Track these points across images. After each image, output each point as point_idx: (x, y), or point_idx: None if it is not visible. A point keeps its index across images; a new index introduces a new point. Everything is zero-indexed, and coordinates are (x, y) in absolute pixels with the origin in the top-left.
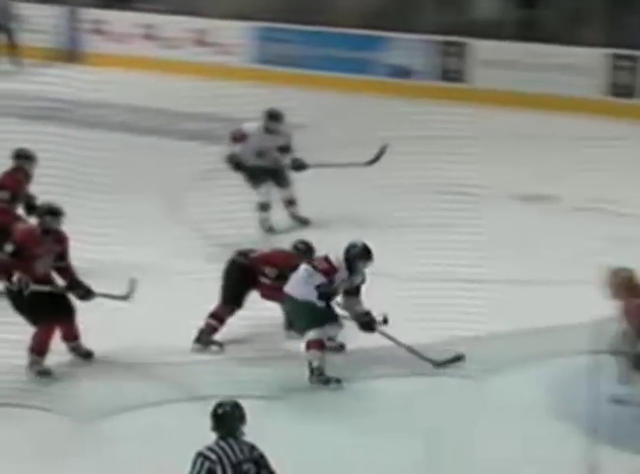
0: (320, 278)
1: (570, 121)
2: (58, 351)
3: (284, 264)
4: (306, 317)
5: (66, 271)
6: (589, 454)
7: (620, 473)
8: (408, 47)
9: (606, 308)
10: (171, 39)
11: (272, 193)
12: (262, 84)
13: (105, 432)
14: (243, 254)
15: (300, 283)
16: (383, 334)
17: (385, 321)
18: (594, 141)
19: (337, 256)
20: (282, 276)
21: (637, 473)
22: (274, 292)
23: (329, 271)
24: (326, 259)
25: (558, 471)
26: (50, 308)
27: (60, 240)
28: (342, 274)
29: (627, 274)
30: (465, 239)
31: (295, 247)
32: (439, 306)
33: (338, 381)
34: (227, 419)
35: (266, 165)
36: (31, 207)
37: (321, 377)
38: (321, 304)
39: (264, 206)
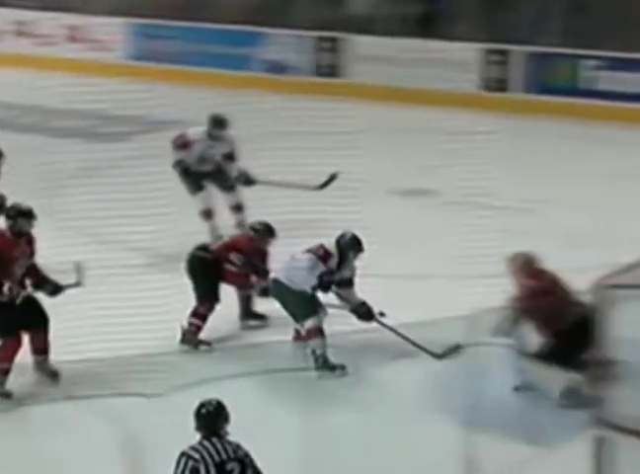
0: (322, 268)
1: (445, 116)
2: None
3: (249, 248)
4: (302, 306)
5: (34, 270)
6: (467, 447)
7: (500, 465)
8: (284, 43)
9: (487, 300)
10: (45, 36)
11: (212, 199)
12: (138, 80)
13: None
14: (203, 248)
15: (302, 273)
16: (381, 324)
17: (382, 314)
18: (468, 135)
19: (331, 243)
20: (248, 262)
21: (517, 464)
22: (240, 278)
23: (326, 257)
24: (323, 247)
25: (435, 463)
26: (21, 318)
27: (30, 241)
28: (335, 259)
29: (525, 257)
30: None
31: (253, 229)
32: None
33: (342, 368)
34: (211, 418)
35: (207, 170)
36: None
37: (326, 364)
38: (311, 292)
39: (206, 213)
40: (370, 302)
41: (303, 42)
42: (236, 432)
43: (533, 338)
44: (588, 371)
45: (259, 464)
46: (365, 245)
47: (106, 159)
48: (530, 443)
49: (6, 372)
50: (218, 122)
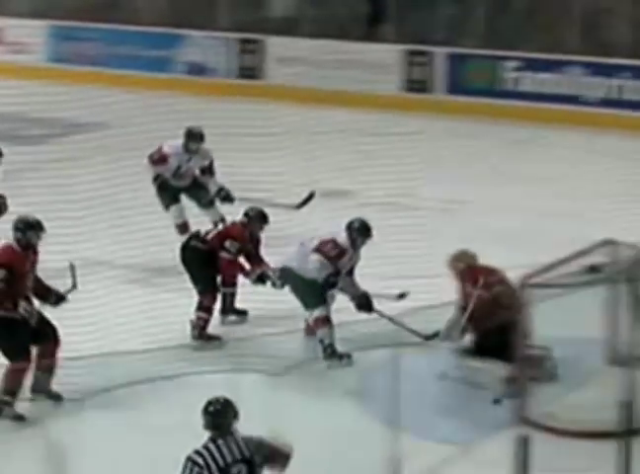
0: (330, 268)
1: (366, 117)
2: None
3: (243, 235)
4: (312, 295)
5: (38, 281)
6: (392, 445)
7: (424, 463)
8: (205, 45)
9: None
10: None
11: (184, 212)
12: (58, 83)
13: None
14: (198, 237)
15: (309, 269)
16: (379, 313)
17: (402, 296)
18: (390, 136)
19: (342, 236)
20: (242, 249)
21: (440, 461)
22: (234, 266)
23: (339, 256)
24: (334, 242)
25: (361, 462)
26: (33, 335)
27: (35, 253)
28: (348, 254)
29: (466, 258)
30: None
31: (246, 214)
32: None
33: (349, 356)
34: (220, 416)
35: (184, 185)
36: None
37: (334, 354)
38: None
39: (181, 227)
40: (292, 304)
41: (224, 45)
42: None
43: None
44: (511, 368)
45: None
46: (283, 248)
47: (26, 162)
48: (454, 442)
49: (16, 394)
50: (194, 136)
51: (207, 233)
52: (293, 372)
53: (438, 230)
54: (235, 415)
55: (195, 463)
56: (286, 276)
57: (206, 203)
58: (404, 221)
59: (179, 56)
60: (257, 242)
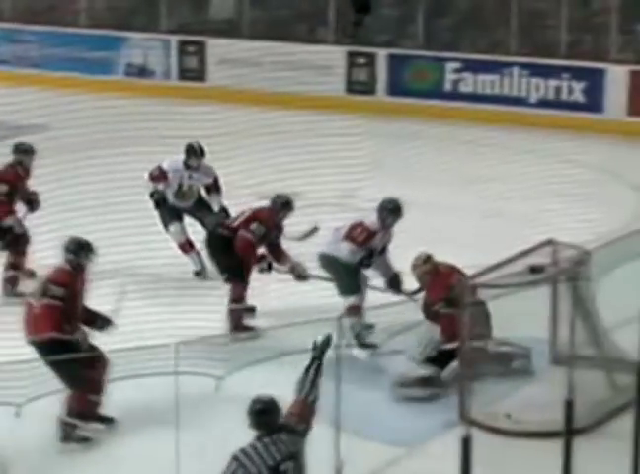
0: (362, 253)
1: (310, 118)
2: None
3: (269, 222)
4: (347, 282)
5: (84, 306)
6: (335, 449)
7: (368, 465)
8: (145, 47)
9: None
10: None
11: (184, 230)
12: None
13: None
14: (224, 225)
15: (343, 255)
16: (407, 295)
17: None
18: (333, 138)
19: (371, 219)
20: (266, 235)
21: (384, 464)
22: (252, 249)
23: (369, 239)
24: (361, 226)
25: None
26: (88, 360)
27: (85, 274)
28: (379, 234)
29: (427, 260)
30: None
31: (273, 201)
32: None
33: (375, 346)
34: (266, 414)
35: (183, 207)
36: (30, 203)
37: (364, 342)
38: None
39: (185, 246)
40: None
41: (165, 46)
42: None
43: None
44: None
45: None
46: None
47: None
48: (398, 444)
49: (87, 416)
50: (194, 151)
51: (234, 220)
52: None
53: None
54: (280, 412)
55: (241, 465)
56: (324, 263)
57: (208, 225)
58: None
59: (119, 58)
60: (280, 230)
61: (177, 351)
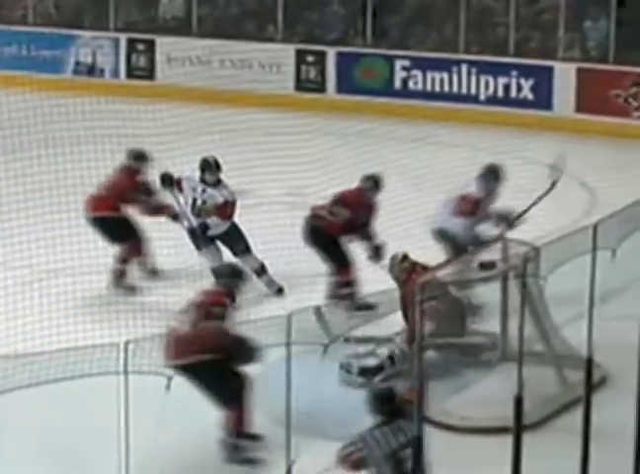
0: (472, 223)
1: (260, 116)
2: None
3: (358, 202)
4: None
5: None
6: (286, 448)
7: (320, 463)
8: (94, 45)
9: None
10: None
11: (219, 255)
12: None
13: None
14: (315, 216)
15: (457, 230)
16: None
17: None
18: (282, 136)
19: (471, 188)
20: (353, 219)
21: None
22: (336, 229)
23: (475, 207)
24: (464, 198)
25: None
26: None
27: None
28: (484, 201)
29: (405, 259)
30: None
31: (364, 181)
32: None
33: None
34: (386, 402)
35: (213, 233)
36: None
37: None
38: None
39: (215, 272)
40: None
41: (114, 45)
42: None
43: None
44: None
45: None
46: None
47: None
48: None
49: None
50: (209, 166)
51: (322, 207)
52: None
53: None
54: (397, 399)
55: (367, 445)
56: (439, 237)
57: (241, 251)
58: (300, 221)
59: (68, 57)
60: (371, 209)
61: (126, 349)
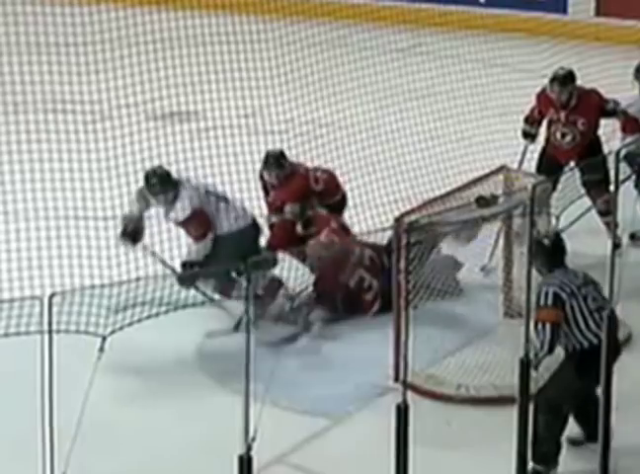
0: None
1: (215, 21)
2: None
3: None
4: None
5: None
6: (244, 421)
7: (285, 439)
8: None
9: None
10: None
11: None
12: None
13: None
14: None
15: None
16: None
17: None
18: (236, 45)
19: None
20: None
21: (305, 437)
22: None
23: None
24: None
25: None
26: None
27: None
28: None
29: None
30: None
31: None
32: None
33: None
34: (558, 251)
35: None
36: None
37: None
38: None
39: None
40: None
41: None
42: None
43: None
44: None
45: None
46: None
47: None
48: (320, 414)
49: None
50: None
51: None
52: None
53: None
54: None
55: (550, 283)
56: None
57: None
58: (257, 147)
59: None
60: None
61: (50, 304)
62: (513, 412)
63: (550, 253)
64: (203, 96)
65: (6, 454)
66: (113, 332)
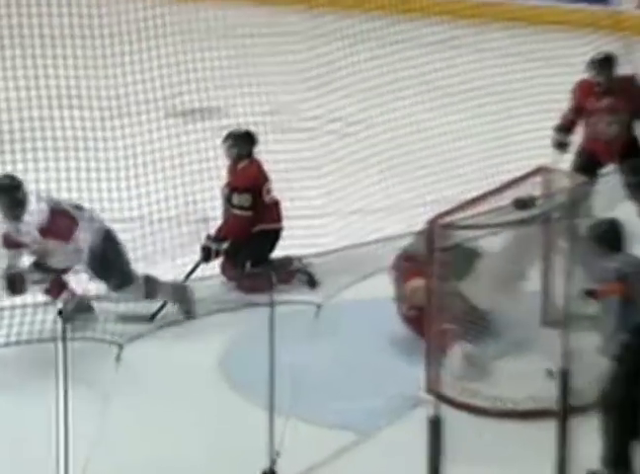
0: None
1: (241, 12)
2: None
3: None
4: None
5: None
6: (269, 436)
7: (311, 455)
8: None
9: None
10: None
11: None
12: None
13: None
14: None
15: None
16: None
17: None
18: (272, 37)
19: None
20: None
21: (331, 453)
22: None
23: None
24: None
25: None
26: None
27: None
28: None
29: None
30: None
31: None
32: None
33: None
34: (618, 235)
35: None
36: None
37: None
38: None
39: None
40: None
41: None
42: None
43: None
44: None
45: None
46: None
47: None
48: (347, 428)
49: None
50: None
51: None
52: None
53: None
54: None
55: (615, 268)
56: None
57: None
58: (284, 146)
59: None
60: None
61: (64, 310)
62: (552, 426)
63: (609, 237)
64: (226, 91)
65: (21, 461)
66: (130, 340)
